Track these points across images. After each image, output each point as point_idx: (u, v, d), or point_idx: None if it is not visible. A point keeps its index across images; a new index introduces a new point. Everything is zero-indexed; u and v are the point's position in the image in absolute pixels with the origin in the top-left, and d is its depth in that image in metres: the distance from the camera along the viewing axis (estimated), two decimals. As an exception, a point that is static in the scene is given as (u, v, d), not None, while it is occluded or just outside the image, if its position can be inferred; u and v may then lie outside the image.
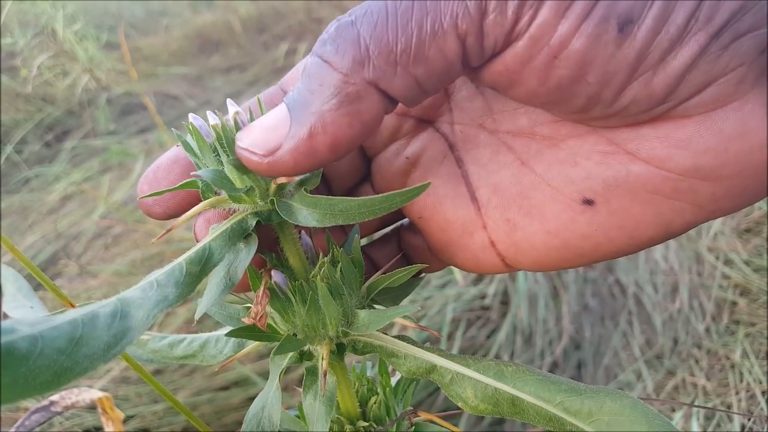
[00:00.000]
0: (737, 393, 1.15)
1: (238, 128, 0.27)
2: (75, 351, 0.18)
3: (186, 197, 0.30)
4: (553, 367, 1.30)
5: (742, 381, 1.18)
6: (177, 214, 0.30)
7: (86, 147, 2.38)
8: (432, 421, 0.35)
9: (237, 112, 0.27)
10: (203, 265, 0.25)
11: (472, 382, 0.27)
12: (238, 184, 0.27)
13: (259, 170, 0.26)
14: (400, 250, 0.37)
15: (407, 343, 0.30)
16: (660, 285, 1.45)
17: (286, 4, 3.26)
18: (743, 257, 1.44)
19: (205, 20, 3.32)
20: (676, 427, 0.23)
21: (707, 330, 1.34)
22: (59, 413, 0.31)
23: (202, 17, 3.36)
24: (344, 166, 0.34)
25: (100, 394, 0.34)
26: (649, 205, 0.27)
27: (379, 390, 0.35)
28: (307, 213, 0.27)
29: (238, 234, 0.27)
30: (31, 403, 1.20)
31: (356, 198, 0.26)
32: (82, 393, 0.33)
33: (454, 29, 0.24)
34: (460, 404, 0.27)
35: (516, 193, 0.30)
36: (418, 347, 0.30)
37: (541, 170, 0.30)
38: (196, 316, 0.28)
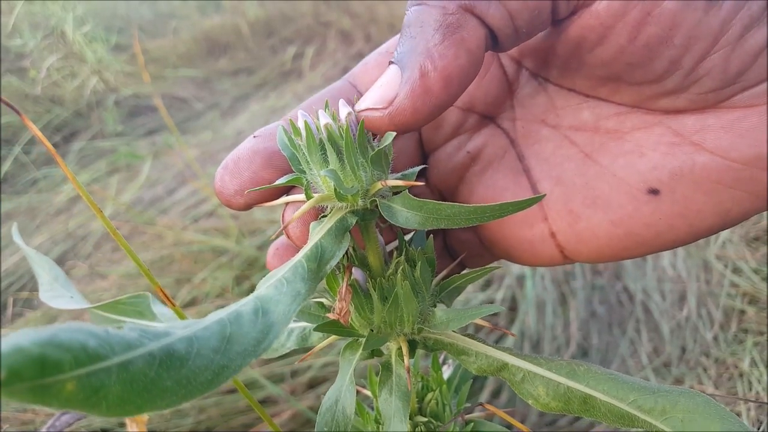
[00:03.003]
0: (746, 402, 1.15)
1: (349, 128, 0.27)
2: (228, 349, 0.19)
3: (267, 190, 0.30)
4: (561, 374, 1.30)
5: (750, 390, 1.18)
6: (254, 205, 0.31)
7: (94, 148, 2.39)
8: (488, 419, 0.36)
9: (349, 113, 0.28)
10: (319, 262, 0.26)
11: (544, 381, 0.28)
12: (346, 183, 0.28)
13: (382, 125, 0.26)
14: (445, 245, 0.37)
15: (477, 341, 0.31)
16: (668, 293, 1.45)
17: (294, 8, 3.27)
18: (752, 265, 1.43)
19: (214, 23, 3.32)
20: (748, 427, 0.24)
21: (715, 338, 1.34)
22: (87, 415, 0.31)
23: (210, 20, 3.37)
24: (402, 160, 0.35)
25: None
26: (711, 194, 0.28)
27: (433, 386, 0.36)
28: (409, 215, 0.27)
29: (341, 232, 0.28)
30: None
31: (465, 204, 0.26)
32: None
33: None
34: (530, 401, 0.28)
35: (580, 185, 0.31)
36: (489, 346, 0.30)
37: (606, 162, 0.30)
38: None
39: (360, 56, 2.88)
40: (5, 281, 1.64)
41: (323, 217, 0.29)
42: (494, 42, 0.27)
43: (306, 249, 0.26)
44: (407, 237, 0.34)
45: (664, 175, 0.29)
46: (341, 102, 0.28)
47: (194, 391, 0.17)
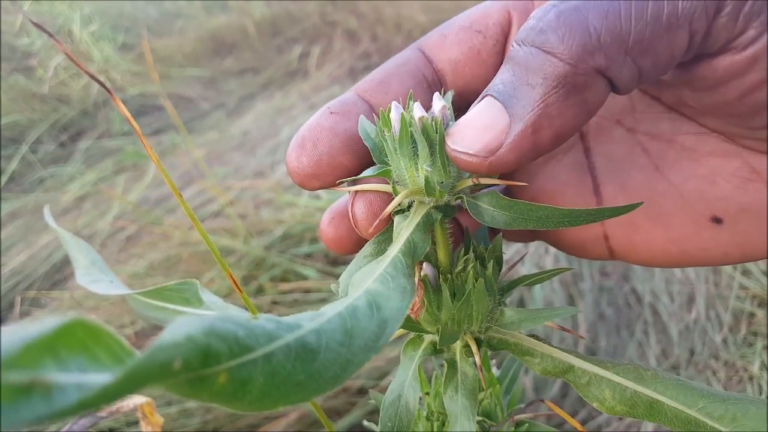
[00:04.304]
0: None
1: (439, 124, 0.26)
2: (351, 343, 0.18)
3: (343, 173, 0.30)
4: (569, 376, 1.29)
5: (761, 394, 1.17)
6: (325, 188, 0.30)
7: (100, 147, 2.39)
8: (532, 420, 0.36)
9: (444, 107, 0.27)
10: (413, 256, 0.26)
11: (610, 384, 0.28)
12: (437, 179, 0.27)
13: (478, 171, 0.25)
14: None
15: (542, 342, 0.31)
16: (676, 295, 1.44)
17: (300, 8, 3.27)
18: (761, 268, 1.42)
19: (220, 23, 3.33)
20: None
21: (724, 341, 1.33)
22: (105, 417, 0.31)
23: (216, 20, 3.38)
24: None
25: (143, 399, 0.34)
26: None
27: (485, 385, 0.37)
28: (496, 213, 0.27)
29: (428, 227, 0.28)
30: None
31: (559, 207, 0.25)
32: (126, 398, 0.33)
33: (687, 24, 0.23)
34: (595, 404, 0.28)
35: (645, 197, 0.30)
36: (555, 347, 0.30)
37: (677, 180, 0.30)
38: (342, 294, 0.28)
39: (366, 56, 2.88)
40: (12, 280, 1.64)
41: (400, 212, 0.29)
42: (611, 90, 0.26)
43: (400, 244, 0.26)
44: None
45: (731, 207, 0.29)
46: (436, 95, 0.27)
47: (324, 385, 0.17)
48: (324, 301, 1.32)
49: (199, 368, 0.13)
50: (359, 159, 0.29)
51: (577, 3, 0.23)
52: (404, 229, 0.27)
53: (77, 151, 2.37)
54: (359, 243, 0.31)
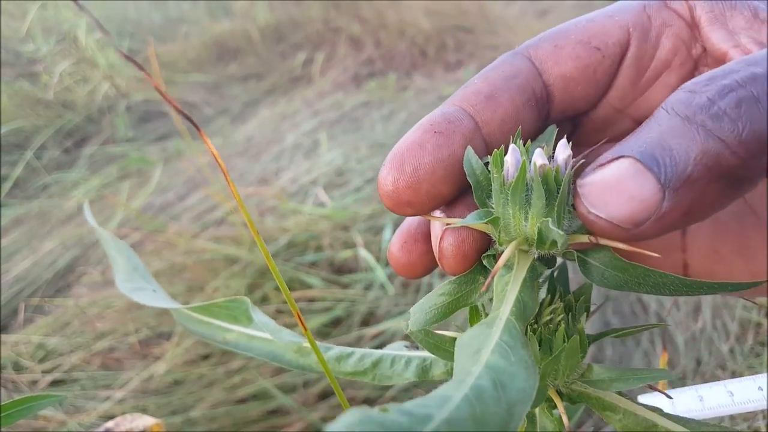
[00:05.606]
0: (765, 417, 1.13)
1: (560, 176, 0.25)
2: None
3: (440, 203, 0.28)
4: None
5: (769, 405, 1.16)
6: (419, 215, 0.29)
7: (105, 153, 2.40)
8: None
9: (569, 156, 0.25)
10: (524, 319, 0.24)
11: None
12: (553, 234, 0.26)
13: (613, 238, 0.24)
14: None
15: (625, 398, 0.29)
16: (682, 303, 1.43)
17: (304, 14, 3.28)
18: (768, 277, 1.42)
19: (224, 28, 3.34)
20: None
21: (731, 351, 1.32)
22: (114, 437, 0.31)
23: (220, 25, 3.38)
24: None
25: (153, 421, 0.34)
26: None
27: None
28: (607, 274, 0.25)
29: (533, 282, 0.26)
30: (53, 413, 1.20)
31: (680, 276, 0.24)
32: (136, 419, 0.33)
33: None
34: None
35: (735, 229, 0.30)
36: (639, 404, 0.29)
37: (764, 216, 0.29)
38: (412, 328, 0.27)
39: (370, 62, 2.88)
40: (16, 287, 1.64)
41: (490, 255, 0.27)
42: None
43: (510, 305, 0.24)
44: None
45: None
46: (562, 144, 0.25)
47: None
48: (328, 310, 1.32)
49: None
50: (458, 187, 0.28)
51: (757, 93, 0.22)
52: (510, 286, 0.25)
53: (81, 157, 2.38)
54: (431, 268, 0.30)
